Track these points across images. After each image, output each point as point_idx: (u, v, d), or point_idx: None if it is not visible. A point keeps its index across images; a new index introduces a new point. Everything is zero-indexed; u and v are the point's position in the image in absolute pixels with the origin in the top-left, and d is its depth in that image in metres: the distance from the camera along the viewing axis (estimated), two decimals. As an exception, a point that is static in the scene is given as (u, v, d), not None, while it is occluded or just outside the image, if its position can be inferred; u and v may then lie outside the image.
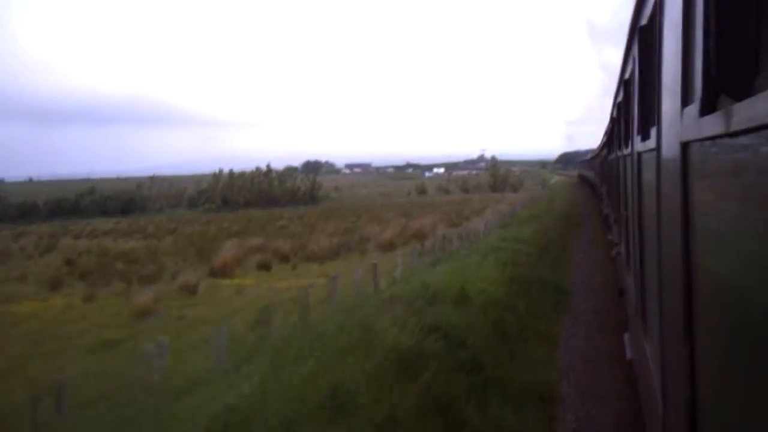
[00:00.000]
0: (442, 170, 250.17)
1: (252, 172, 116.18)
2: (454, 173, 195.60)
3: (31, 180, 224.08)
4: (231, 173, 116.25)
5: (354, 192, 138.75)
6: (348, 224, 49.07)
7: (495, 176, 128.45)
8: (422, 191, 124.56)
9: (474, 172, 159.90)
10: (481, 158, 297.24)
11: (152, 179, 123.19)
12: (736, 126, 1.28)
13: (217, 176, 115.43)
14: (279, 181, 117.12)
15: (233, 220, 66.59)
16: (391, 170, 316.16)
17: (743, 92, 1.30)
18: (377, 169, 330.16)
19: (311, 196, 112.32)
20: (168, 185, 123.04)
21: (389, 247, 32.26)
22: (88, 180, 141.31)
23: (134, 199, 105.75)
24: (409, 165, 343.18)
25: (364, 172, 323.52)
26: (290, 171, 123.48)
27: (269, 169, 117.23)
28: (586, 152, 70.30)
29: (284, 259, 30.60)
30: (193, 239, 45.11)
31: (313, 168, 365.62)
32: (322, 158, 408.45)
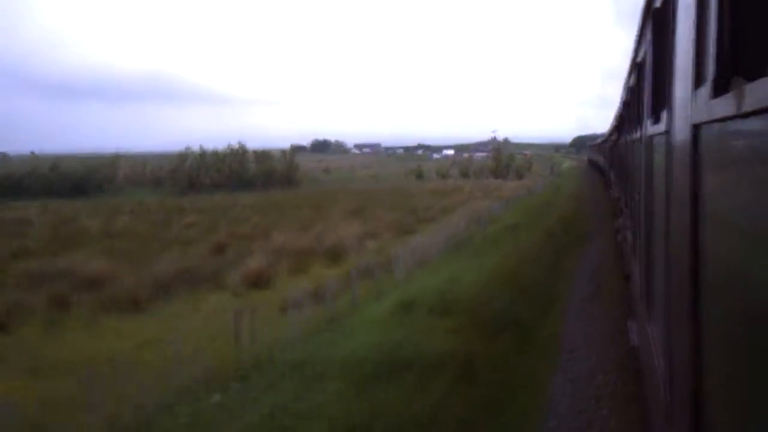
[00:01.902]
0: (451, 152, 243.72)
1: (224, 151, 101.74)
2: (465, 155, 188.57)
3: (33, 153, 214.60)
4: (202, 151, 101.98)
5: (344, 174, 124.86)
6: (269, 223, 38.36)
7: (498, 160, 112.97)
8: (419, 175, 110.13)
9: (485, 154, 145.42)
10: (493, 140, 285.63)
11: (118, 157, 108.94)
12: (747, 107, 1.27)
13: (183, 155, 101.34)
14: (258, 161, 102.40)
15: (140, 211, 52.19)
16: (401, 151, 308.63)
17: (756, 73, 1.29)
18: (387, 149, 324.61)
19: (289, 179, 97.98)
20: (138, 165, 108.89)
21: (258, 282, 18.72)
22: (97, 155, 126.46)
23: (86, 179, 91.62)
24: (420, 146, 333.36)
25: (374, 152, 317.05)
26: (295, 149, 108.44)
27: (242, 148, 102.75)
28: (602, 136, 61.57)
29: (63, 304, 17.99)
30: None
31: (321, 147, 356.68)
32: (335, 137, 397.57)
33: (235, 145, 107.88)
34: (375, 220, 37.07)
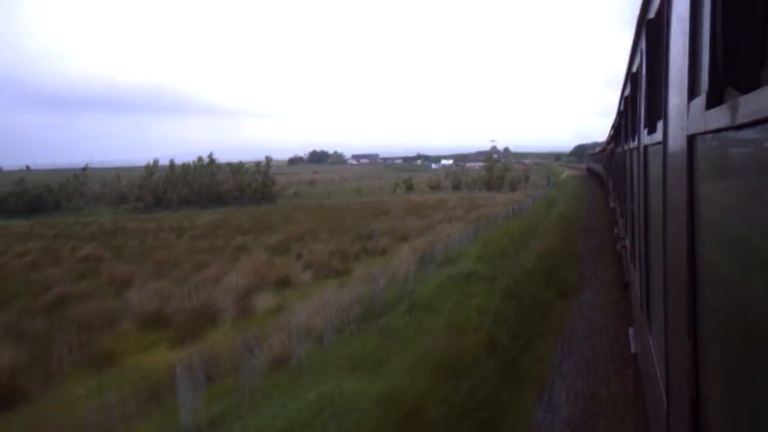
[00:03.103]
0: (450, 162, 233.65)
1: (194, 165, 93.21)
2: (465, 165, 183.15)
3: (28, 168, 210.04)
4: (171, 165, 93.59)
5: (329, 187, 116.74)
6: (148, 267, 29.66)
7: (490, 171, 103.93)
8: (410, 187, 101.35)
9: (480, 164, 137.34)
10: (493, 149, 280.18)
11: (84, 172, 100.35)
12: (741, 119, 1.30)
13: (150, 168, 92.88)
14: (233, 174, 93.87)
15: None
16: (399, 161, 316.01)
17: (749, 85, 1.33)
18: (385, 160, 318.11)
19: (263, 194, 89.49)
20: (112, 179, 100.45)
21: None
22: (72, 170, 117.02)
23: (42, 196, 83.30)
24: (419, 156, 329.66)
25: (372, 162, 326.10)
26: (268, 163, 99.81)
27: (212, 161, 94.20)
28: (601, 145, 62.06)
29: None
30: None
31: (319, 158, 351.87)
32: (333, 149, 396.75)
33: (205, 158, 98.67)
34: (307, 254, 28.52)
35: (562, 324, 11.71)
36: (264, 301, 19.82)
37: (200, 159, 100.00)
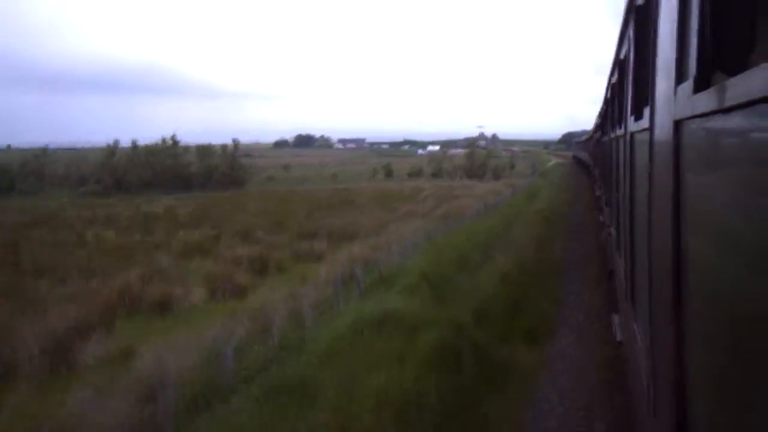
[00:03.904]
0: (437, 148, 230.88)
1: (158, 146, 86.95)
2: (450, 151, 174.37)
3: (8, 147, 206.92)
4: (134, 145, 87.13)
5: (304, 172, 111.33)
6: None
7: (472, 159, 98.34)
8: (389, 173, 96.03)
9: (463, 150, 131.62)
10: (482, 136, 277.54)
11: (44, 152, 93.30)
12: (729, 101, 1.29)
13: (111, 149, 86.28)
14: (200, 157, 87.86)
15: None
16: (386, 146, 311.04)
17: (738, 68, 1.30)
18: (371, 144, 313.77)
19: (232, 179, 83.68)
20: (78, 159, 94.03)
21: None
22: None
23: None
24: (406, 141, 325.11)
25: (358, 147, 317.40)
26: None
27: (175, 142, 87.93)
28: (589, 133, 59.60)
29: None
30: None
31: (305, 142, 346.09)
32: (322, 133, 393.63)
33: (168, 139, 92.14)
34: (226, 258, 23.02)
35: (525, 402, 7.63)
36: (114, 341, 14.27)
37: (164, 140, 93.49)
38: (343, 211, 43.65)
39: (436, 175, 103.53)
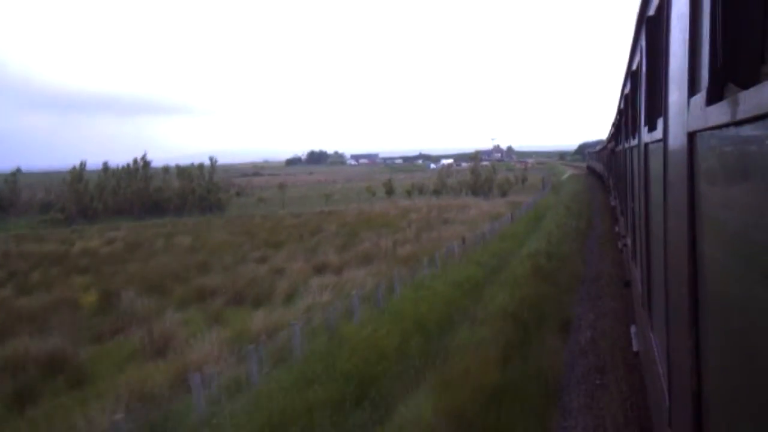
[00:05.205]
0: (450, 161, 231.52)
1: (128, 168, 78.56)
2: (464, 164, 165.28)
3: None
4: (105, 168, 79.06)
5: (301, 191, 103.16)
6: None
7: (476, 173, 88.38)
8: (390, 191, 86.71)
9: (485, 163, 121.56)
10: (497, 149, 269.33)
11: (16, 174, 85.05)
12: (742, 114, 1.29)
13: (76, 173, 77.75)
14: (180, 178, 79.44)
15: None
16: (399, 161, 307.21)
17: (750, 80, 1.33)
18: (384, 160, 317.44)
19: (211, 202, 74.90)
20: (44, 184, 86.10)
21: None
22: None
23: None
24: (420, 156, 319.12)
25: (371, 163, 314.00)
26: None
27: (145, 163, 79.33)
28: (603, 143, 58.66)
29: None
30: None
31: (318, 159, 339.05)
32: (336, 149, 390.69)
33: (139, 161, 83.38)
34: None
35: None
36: None
37: (135, 162, 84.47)
38: (293, 247, 34.30)
39: (437, 192, 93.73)
